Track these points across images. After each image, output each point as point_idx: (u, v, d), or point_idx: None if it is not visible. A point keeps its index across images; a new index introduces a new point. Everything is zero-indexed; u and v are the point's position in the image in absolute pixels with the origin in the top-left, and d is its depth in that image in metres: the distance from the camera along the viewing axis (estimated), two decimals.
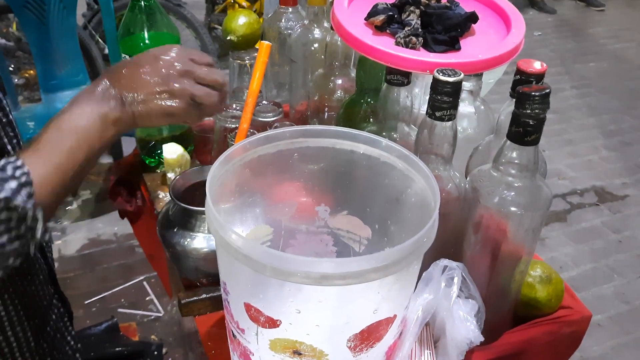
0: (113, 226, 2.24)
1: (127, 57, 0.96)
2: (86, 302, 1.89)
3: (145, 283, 2.00)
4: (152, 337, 1.80)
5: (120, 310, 1.89)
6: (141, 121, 0.62)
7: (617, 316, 1.99)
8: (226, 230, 0.50)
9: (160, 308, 1.90)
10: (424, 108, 0.87)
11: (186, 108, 0.63)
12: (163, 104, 0.61)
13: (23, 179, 0.52)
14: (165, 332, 1.81)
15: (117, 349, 1.63)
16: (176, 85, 0.62)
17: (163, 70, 0.62)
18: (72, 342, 0.79)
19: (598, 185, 2.67)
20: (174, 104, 0.62)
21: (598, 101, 3.42)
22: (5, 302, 0.65)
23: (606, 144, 2.99)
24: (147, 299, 1.94)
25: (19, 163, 0.52)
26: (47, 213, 0.55)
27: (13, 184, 0.51)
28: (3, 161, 0.52)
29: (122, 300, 1.93)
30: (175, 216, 0.79)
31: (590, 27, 4.56)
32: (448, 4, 0.81)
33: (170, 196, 0.78)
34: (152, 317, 1.87)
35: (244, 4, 3.34)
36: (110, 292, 1.95)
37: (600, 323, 1.94)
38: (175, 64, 0.62)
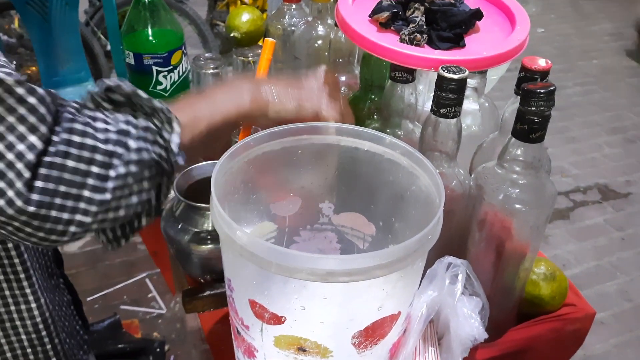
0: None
1: (130, 53, 0.96)
2: (88, 299, 1.90)
3: (147, 280, 2.00)
4: (155, 334, 1.81)
5: (122, 307, 1.89)
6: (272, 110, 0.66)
7: (620, 314, 1.99)
8: (231, 227, 0.50)
9: (162, 305, 1.91)
10: (427, 105, 0.87)
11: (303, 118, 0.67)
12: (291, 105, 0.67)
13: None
14: (167, 329, 1.81)
15: (120, 345, 1.64)
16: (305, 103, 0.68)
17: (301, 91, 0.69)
18: (82, 332, 0.79)
19: (601, 183, 2.66)
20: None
21: (601, 98, 3.41)
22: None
23: (609, 142, 2.99)
24: (150, 296, 1.94)
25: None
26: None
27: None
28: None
29: (125, 297, 1.94)
30: (180, 213, 0.79)
31: (594, 24, 4.54)
32: (453, 1, 0.80)
33: (175, 193, 0.78)
34: (155, 314, 1.88)
35: (247, 0, 3.33)
36: (112, 289, 1.96)
37: (603, 321, 1.94)
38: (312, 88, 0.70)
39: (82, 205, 0.50)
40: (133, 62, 0.96)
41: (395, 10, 0.79)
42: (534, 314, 0.79)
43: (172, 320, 1.84)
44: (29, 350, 0.70)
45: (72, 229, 0.51)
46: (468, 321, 0.64)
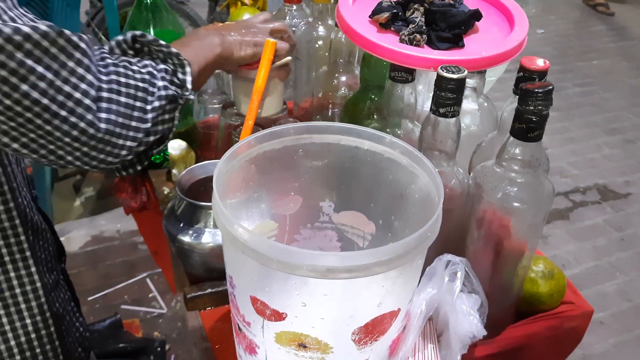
0: (116, 223, 2.25)
1: None
2: (89, 298, 1.90)
3: (148, 280, 2.01)
4: (155, 333, 1.81)
5: (123, 306, 1.90)
6: (234, 51, 0.80)
7: (619, 314, 1.99)
8: (233, 225, 0.51)
9: (163, 305, 1.91)
10: (427, 105, 0.87)
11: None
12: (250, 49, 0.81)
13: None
14: (168, 329, 1.82)
15: (121, 345, 1.64)
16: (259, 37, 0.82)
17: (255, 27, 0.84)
18: (82, 329, 0.80)
19: (601, 183, 2.67)
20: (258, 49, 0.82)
21: (601, 99, 3.42)
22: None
23: (609, 142, 3.00)
24: (150, 295, 1.95)
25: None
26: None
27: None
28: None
29: (125, 296, 1.94)
30: (181, 211, 0.79)
31: (594, 25, 4.55)
32: (452, 2, 0.81)
33: (177, 192, 0.79)
34: (155, 314, 1.88)
35: (247, 1, 3.34)
36: (113, 288, 1.96)
37: (602, 321, 1.95)
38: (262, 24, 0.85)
39: (131, 133, 0.63)
40: None
41: (395, 10, 0.79)
42: (532, 312, 0.79)
43: (172, 319, 1.85)
44: (33, 335, 0.71)
45: (124, 152, 0.63)
46: (467, 318, 0.64)
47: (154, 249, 1.25)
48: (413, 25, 0.78)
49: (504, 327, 0.77)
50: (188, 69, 0.70)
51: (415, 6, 0.80)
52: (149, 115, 0.64)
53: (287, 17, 1.13)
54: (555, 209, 2.46)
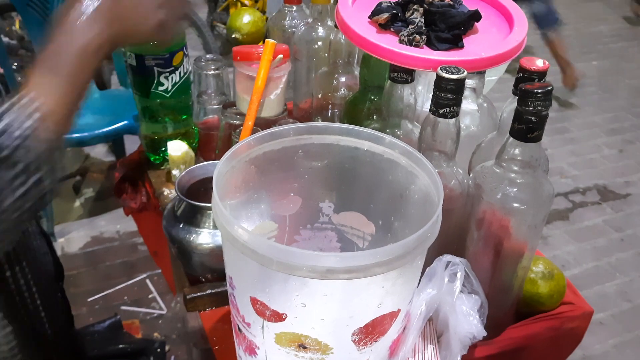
0: (115, 224, 2.25)
1: (132, 54, 0.96)
2: (89, 299, 1.90)
3: (148, 281, 2.00)
4: (155, 334, 1.81)
5: (123, 307, 1.90)
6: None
7: (620, 314, 1.99)
8: (233, 225, 0.51)
9: (163, 305, 1.91)
10: (426, 106, 0.87)
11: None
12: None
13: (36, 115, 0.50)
14: (168, 330, 1.82)
15: (121, 346, 1.64)
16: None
17: None
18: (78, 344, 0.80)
19: (600, 184, 2.67)
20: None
21: (600, 100, 3.42)
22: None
23: (608, 143, 3.00)
24: (150, 296, 1.95)
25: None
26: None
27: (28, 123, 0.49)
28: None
29: (125, 297, 1.94)
30: (181, 212, 0.79)
31: (593, 26, 4.55)
32: (451, 3, 0.81)
33: (177, 192, 0.79)
34: (155, 315, 1.88)
35: (247, 2, 3.34)
36: (113, 289, 1.96)
37: (602, 321, 1.95)
38: None
39: None
40: (135, 64, 0.97)
41: (394, 11, 0.79)
42: (532, 312, 0.79)
43: (172, 320, 1.85)
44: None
45: None
46: (467, 319, 0.64)
47: (153, 250, 1.25)
48: (412, 26, 0.78)
49: (504, 327, 0.77)
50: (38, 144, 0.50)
51: (415, 7, 0.80)
52: None
53: (287, 18, 1.13)
54: (555, 210, 2.46)
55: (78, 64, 0.55)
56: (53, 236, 2.14)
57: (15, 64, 2.76)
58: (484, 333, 0.65)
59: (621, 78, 3.71)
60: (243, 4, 3.33)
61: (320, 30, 1.07)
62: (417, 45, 0.76)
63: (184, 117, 1.06)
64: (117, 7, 0.58)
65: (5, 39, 2.73)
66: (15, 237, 0.52)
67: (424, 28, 0.78)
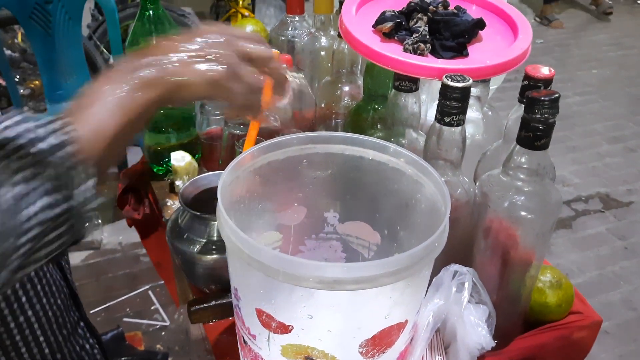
0: (118, 235, 2.24)
1: None
2: (92, 311, 1.89)
3: (150, 292, 1.99)
4: (158, 346, 1.80)
5: (125, 319, 1.88)
6: (182, 89, 0.53)
7: (625, 323, 1.98)
8: (238, 236, 0.50)
9: (165, 317, 1.90)
10: (430, 114, 0.87)
11: (228, 76, 0.54)
12: (201, 67, 0.53)
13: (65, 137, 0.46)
14: (171, 341, 1.80)
15: (123, 358, 1.63)
16: (215, 50, 0.54)
17: (199, 39, 0.54)
18: None
19: (603, 192, 2.66)
20: (214, 67, 0.53)
21: (601, 108, 3.42)
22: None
23: (610, 151, 2.99)
24: (153, 308, 1.94)
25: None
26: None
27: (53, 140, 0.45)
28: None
29: (128, 309, 1.93)
30: (185, 223, 0.79)
31: (593, 35, 4.57)
32: (455, 11, 0.81)
33: (180, 203, 0.78)
34: (158, 327, 1.87)
35: (247, 14, 3.36)
36: (115, 301, 1.95)
37: (607, 330, 1.93)
38: (215, 34, 0.55)
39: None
40: None
41: (398, 20, 0.79)
42: (540, 322, 0.78)
43: (175, 332, 1.83)
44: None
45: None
46: (475, 329, 0.64)
47: (156, 261, 1.24)
48: (417, 35, 0.78)
49: (512, 338, 0.76)
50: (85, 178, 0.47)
51: (419, 15, 0.80)
52: (14, 256, 0.43)
53: (290, 28, 1.13)
54: (558, 218, 2.45)
55: (118, 104, 0.51)
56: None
57: (18, 76, 2.77)
58: (493, 343, 0.64)
59: (621, 86, 3.71)
60: (243, 16, 3.35)
61: (323, 40, 1.07)
62: (421, 54, 0.76)
63: (187, 127, 1.06)
64: (166, 61, 0.52)
65: (8, 52, 2.74)
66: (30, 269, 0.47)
67: (428, 36, 0.78)
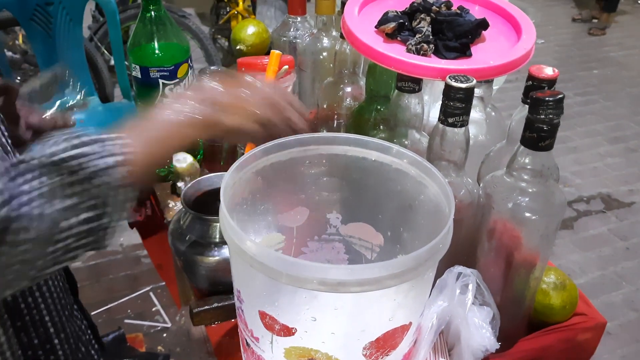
0: (119, 237, 2.24)
1: (137, 66, 0.96)
2: (92, 313, 1.89)
3: (151, 294, 1.99)
4: (159, 348, 1.80)
5: (126, 321, 1.88)
6: (231, 135, 0.60)
7: (627, 324, 1.97)
8: (241, 237, 0.50)
9: (166, 319, 1.90)
10: (432, 115, 0.87)
11: (263, 139, 0.62)
12: (250, 126, 0.60)
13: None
14: (172, 343, 1.80)
15: None
16: (271, 118, 0.61)
17: (263, 99, 0.61)
18: (96, 357, 0.78)
19: (604, 193, 2.66)
20: (256, 130, 0.61)
21: (602, 108, 3.42)
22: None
23: (611, 151, 2.99)
24: (154, 309, 1.93)
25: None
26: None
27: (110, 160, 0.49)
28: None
29: (129, 311, 1.93)
30: (187, 225, 0.78)
31: (594, 35, 4.56)
32: (458, 11, 0.81)
33: (183, 205, 0.78)
34: (159, 328, 1.86)
35: (247, 15, 3.36)
36: (116, 303, 1.95)
37: (610, 331, 1.92)
38: (278, 100, 0.62)
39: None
40: (140, 76, 0.97)
41: (401, 21, 0.79)
42: (545, 324, 0.78)
43: (176, 333, 1.83)
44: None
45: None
46: (479, 331, 0.63)
47: (158, 263, 1.24)
48: (420, 35, 0.77)
49: (516, 339, 0.75)
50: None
51: (422, 16, 0.79)
52: (42, 260, 0.47)
53: (291, 29, 1.12)
54: None
55: (168, 130, 0.55)
56: None
57: (19, 77, 2.77)
58: (497, 345, 0.64)
59: (622, 86, 3.71)
60: (244, 17, 3.35)
61: (325, 41, 1.07)
62: (425, 54, 0.76)
63: None
64: (220, 100, 0.58)
65: (9, 53, 2.74)
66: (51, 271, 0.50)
67: (431, 37, 0.78)
